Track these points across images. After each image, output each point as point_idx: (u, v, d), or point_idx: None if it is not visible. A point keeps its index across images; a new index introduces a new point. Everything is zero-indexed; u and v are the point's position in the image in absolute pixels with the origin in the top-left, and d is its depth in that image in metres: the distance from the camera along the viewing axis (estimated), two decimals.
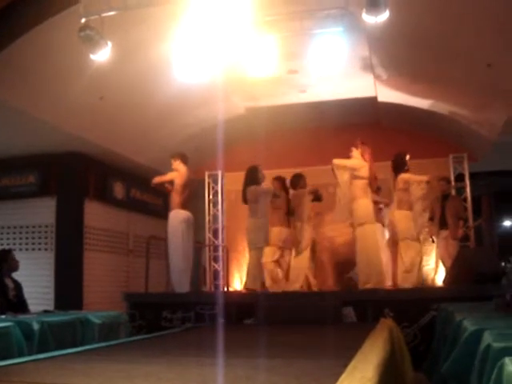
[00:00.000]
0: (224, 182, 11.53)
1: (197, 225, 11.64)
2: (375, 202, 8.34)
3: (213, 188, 11.63)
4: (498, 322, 3.22)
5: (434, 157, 10.34)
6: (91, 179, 9.93)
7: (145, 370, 2.80)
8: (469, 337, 2.91)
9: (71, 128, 8.31)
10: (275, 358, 3.19)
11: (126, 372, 2.70)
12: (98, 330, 5.39)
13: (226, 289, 10.50)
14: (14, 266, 6.71)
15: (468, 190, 10.38)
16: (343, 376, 2.19)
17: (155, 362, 3.19)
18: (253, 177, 8.18)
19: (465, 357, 2.91)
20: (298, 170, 9.70)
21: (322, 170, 9.16)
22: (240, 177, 8.59)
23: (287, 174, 9.15)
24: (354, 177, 7.76)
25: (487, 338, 2.48)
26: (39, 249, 9.63)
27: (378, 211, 8.56)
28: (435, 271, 9.50)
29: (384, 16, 5.80)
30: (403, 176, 7.93)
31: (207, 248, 11.52)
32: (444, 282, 8.27)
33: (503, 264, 7.02)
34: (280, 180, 8.52)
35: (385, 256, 8.15)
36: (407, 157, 8.05)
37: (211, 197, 11.59)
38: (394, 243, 8.06)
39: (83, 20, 5.99)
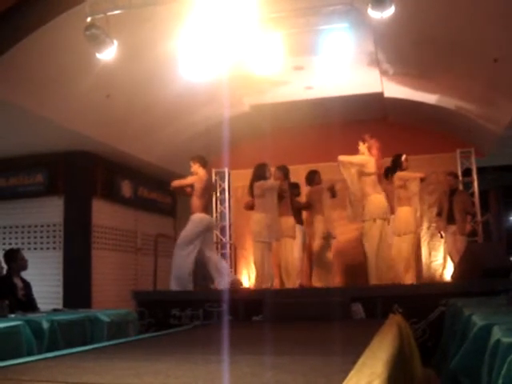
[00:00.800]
0: (230, 179, 11.53)
1: None
2: None
3: (220, 186, 11.63)
4: (507, 316, 3.20)
5: (441, 152, 10.31)
6: (99, 178, 9.95)
7: (154, 367, 2.81)
8: (478, 332, 2.90)
9: (78, 127, 8.33)
10: (282, 355, 3.19)
11: (134, 370, 2.71)
12: (107, 329, 5.41)
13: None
14: (23, 266, 6.74)
15: (475, 184, 10.35)
16: (352, 372, 2.19)
17: (164, 359, 3.19)
18: (260, 173, 8.23)
19: (474, 352, 2.90)
20: (303, 167, 9.74)
21: (328, 166, 9.17)
22: (246, 174, 8.63)
23: (293, 170, 9.16)
24: (362, 173, 7.79)
25: (496, 333, 2.48)
26: (47, 248, 9.66)
27: None
28: (443, 266, 9.50)
29: (390, 11, 5.79)
30: (398, 173, 8.08)
31: (215, 245, 11.52)
32: (452, 277, 8.26)
33: (511, 258, 7.02)
34: (282, 170, 8.57)
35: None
36: (403, 157, 8.17)
37: (218, 194, 11.59)
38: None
39: (89, 19, 6.01)
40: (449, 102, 9.47)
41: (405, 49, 7.80)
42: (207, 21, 6.30)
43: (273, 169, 8.37)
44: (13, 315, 5.10)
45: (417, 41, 7.41)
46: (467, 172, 10.41)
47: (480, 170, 10.54)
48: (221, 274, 7.84)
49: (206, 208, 7.84)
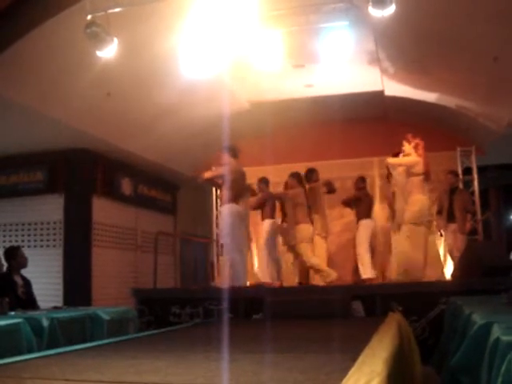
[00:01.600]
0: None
1: (204, 220, 11.72)
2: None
3: None
4: (507, 315, 3.21)
5: (442, 150, 10.30)
6: (99, 176, 9.95)
7: (153, 365, 2.81)
8: (478, 330, 2.91)
9: (78, 125, 8.33)
10: (283, 353, 3.19)
11: (135, 367, 2.71)
12: (107, 326, 5.41)
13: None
14: (23, 263, 6.74)
15: (476, 183, 10.35)
16: (352, 370, 2.19)
17: (164, 357, 3.20)
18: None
19: (474, 350, 2.90)
20: (304, 165, 9.74)
21: (328, 164, 9.19)
22: (246, 172, 8.66)
23: (293, 168, 9.18)
24: (410, 174, 7.76)
25: (496, 332, 2.48)
26: (47, 245, 9.65)
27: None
28: (443, 265, 9.49)
29: (390, 10, 5.78)
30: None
31: (214, 243, 11.53)
32: (452, 275, 8.26)
33: (511, 257, 7.02)
34: (295, 176, 8.64)
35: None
36: (401, 155, 8.13)
37: (218, 192, 11.59)
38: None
39: (89, 17, 6.00)
40: (449, 101, 9.47)
41: (405, 47, 7.79)
42: (207, 18, 6.30)
43: (271, 166, 8.38)
44: (13, 313, 5.11)
45: (417, 39, 7.40)
46: (467, 170, 10.41)
47: (480, 169, 10.53)
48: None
49: (236, 199, 7.65)
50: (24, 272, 6.76)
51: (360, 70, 8.66)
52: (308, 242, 8.39)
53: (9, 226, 9.89)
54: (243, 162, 9.18)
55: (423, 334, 6.18)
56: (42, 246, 9.67)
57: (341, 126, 9.92)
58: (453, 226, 8.86)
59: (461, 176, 10.07)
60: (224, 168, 7.77)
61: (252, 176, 8.93)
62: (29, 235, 9.76)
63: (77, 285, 9.17)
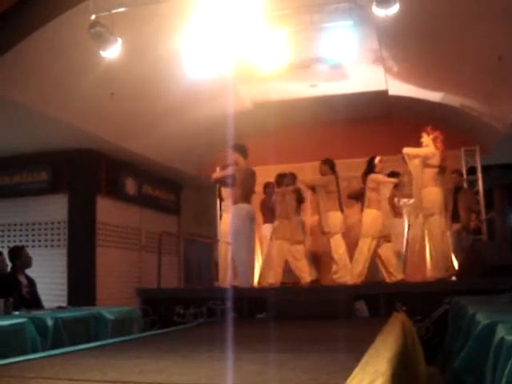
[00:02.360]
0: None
1: (208, 220, 11.71)
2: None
3: None
4: None
5: (446, 150, 10.28)
6: (103, 175, 9.97)
7: (158, 365, 2.81)
8: (482, 330, 2.90)
9: (82, 125, 8.35)
10: (286, 353, 3.19)
11: (139, 367, 2.71)
12: (111, 326, 5.41)
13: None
14: (27, 263, 6.75)
15: (480, 182, 10.32)
16: (356, 370, 2.19)
17: (168, 357, 3.20)
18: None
19: (478, 350, 2.89)
20: (308, 165, 9.74)
21: None
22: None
23: (297, 168, 9.17)
24: (426, 165, 7.80)
25: (501, 331, 2.47)
26: (52, 245, 9.68)
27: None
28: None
29: (394, 9, 5.78)
30: (371, 176, 8.17)
31: (219, 243, 11.51)
32: (456, 275, 8.24)
33: None
34: (328, 163, 8.60)
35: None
36: (377, 159, 8.28)
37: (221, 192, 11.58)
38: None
39: (93, 17, 6.01)
40: (453, 100, 9.46)
41: (409, 46, 7.78)
42: (211, 18, 6.30)
43: (275, 166, 8.37)
44: (17, 312, 5.12)
45: (421, 38, 7.39)
46: (472, 170, 10.38)
47: (484, 168, 10.51)
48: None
49: (247, 198, 7.63)
50: (28, 272, 6.77)
51: (364, 69, 8.65)
52: (338, 231, 8.39)
53: (13, 226, 9.92)
54: (248, 162, 9.20)
55: (427, 334, 6.17)
56: (46, 246, 9.69)
57: (345, 125, 9.92)
58: (457, 226, 8.85)
59: (465, 175, 10.05)
60: (233, 168, 7.74)
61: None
62: (33, 235, 9.78)
63: (81, 284, 9.19)
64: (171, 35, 6.94)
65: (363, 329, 4.99)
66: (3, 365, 2.84)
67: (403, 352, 3.19)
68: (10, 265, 6.64)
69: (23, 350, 3.98)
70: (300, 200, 8.94)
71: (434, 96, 9.47)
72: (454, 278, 7.68)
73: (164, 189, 12.00)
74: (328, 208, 8.38)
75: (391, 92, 9.55)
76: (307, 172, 10.16)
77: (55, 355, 3.30)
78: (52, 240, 9.69)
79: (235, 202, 7.60)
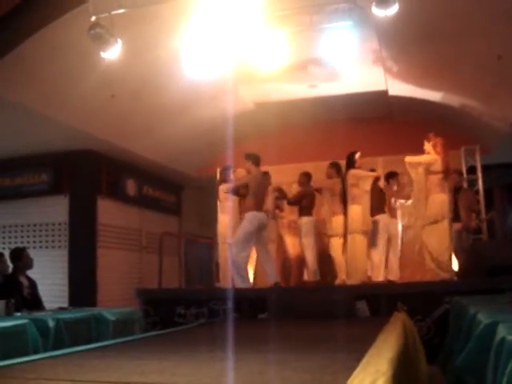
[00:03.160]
0: (235, 177, 11.51)
1: (209, 221, 11.70)
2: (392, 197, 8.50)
3: None
4: None
5: (448, 154, 10.28)
6: (103, 177, 9.97)
7: (159, 365, 2.82)
8: (483, 330, 2.90)
9: (83, 126, 8.35)
10: (288, 353, 3.19)
11: (140, 368, 2.72)
12: (112, 327, 5.42)
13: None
14: (29, 264, 6.75)
15: (480, 182, 10.31)
16: (357, 370, 2.19)
17: (169, 357, 3.20)
18: (224, 176, 8.65)
19: (479, 350, 2.90)
20: (308, 165, 9.74)
21: None
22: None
23: (298, 168, 9.17)
24: (429, 172, 7.87)
25: (502, 331, 2.47)
26: (53, 247, 9.68)
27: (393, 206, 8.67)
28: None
29: (393, 9, 5.79)
30: (351, 171, 8.24)
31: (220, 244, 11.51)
32: (457, 274, 8.25)
33: None
34: (334, 166, 8.70)
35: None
36: (357, 155, 8.33)
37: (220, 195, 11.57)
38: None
39: (93, 18, 6.02)
40: (453, 100, 9.46)
41: (409, 46, 7.78)
42: (211, 19, 6.30)
43: (275, 167, 8.39)
44: (19, 314, 5.13)
45: (421, 38, 7.39)
46: (472, 170, 10.37)
47: (485, 168, 10.48)
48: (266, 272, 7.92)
49: (260, 206, 7.80)
50: (29, 273, 6.78)
51: (364, 69, 8.64)
52: (341, 235, 8.44)
53: (14, 228, 9.93)
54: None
55: (428, 334, 6.18)
56: (47, 247, 9.70)
57: (345, 125, 9.91)
58: (457, 226, 8.84)
59: (465, 175, 10.04)
60: (246, 177, 7.97)
61: None
62: (34, 236, 9.79)
63: (82, 286, 9.20)
64: (171, 36, 6.94)
65: (364, 329, 4.99)
66: (5, 366, 2.85)
67: (404, 352, 3.20)
68: (11, 266, 6.64)
69: (25, 351, 3.98)
70: (282, 197, 9.06)
71: (433, 96, 9.47)
72: (454, 278, 7.68)
73: (165, 190, 12.01)
74: (333, 211, 8.46)
75: (391, 92, 9.55)
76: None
77: (57, 356, 3.31)
78: (53, 241, 9.69)
79: (248, 210, 7.75)
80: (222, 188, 8.53)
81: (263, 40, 6.81)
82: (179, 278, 11.88)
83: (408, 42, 7.59)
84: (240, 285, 7.48)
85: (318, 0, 6.51)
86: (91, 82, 7.27)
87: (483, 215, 10.02)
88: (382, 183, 8.68)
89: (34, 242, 9.73)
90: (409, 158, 8.09)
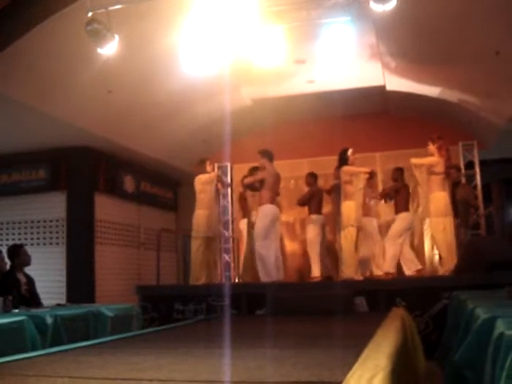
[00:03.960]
0: (233, 173, 11.52)
1: None
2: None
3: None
4: (511, 309, 3.20)
5: (450, 157, 10.29)
6: (101, 173, 9.96)
7: (158, 362, 2.81)
8: (481, 325, 2.90)
9: (80, 122, 8.33)
10: (286, 349, 3.19)
11: (139, 364, 2.72)
12: (110, 323, 5.42)
13: (236, 280, 10.55)
14: (26, 261, 6.74)
15: (478, 177, 10.33)
16: (356, 365, 2.19)
17: (168, 353, 3.20)
18: (201, 168, 8.69)
19: (477, 345, 2.90)
20: (306, 161, 9.76)
21: (330, 160, 9.15)
22: (247, 167, 8.84)
23: (295, 164, 9.18)
24: (431, 172, 8.04)
25: (500, 326, 2.47)
26: (50, 243, 9.67)
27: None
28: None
29: (391, 4, 5.77)
30: (344, 168, 8.25)
31: (217, 240, 11.52)
32: (455, 270, 8.26)
33: None
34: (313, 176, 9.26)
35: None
36: (349, 151, 8.34)
37: (221, 189, 11.58)
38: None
39: (90, 14, 5.99)
40: (451, 95, 9.45)
41: (407, 42, 7.77)
42: (208, 15, 6.29)
43: (274, 162, 8.39)
44: (16, 310, 5.12)
45: (419, 34, 7.38)
46: (470, 165, 10.39)
47: (482, 163, 10.50)
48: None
49: (274, 200, 8.13)
50: (27, 270, 6.76)
51: (361, 65, 8.63)
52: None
53: (12, 224, 9.91)
54: (246, 159, 9.21)
55: (426, 329, 6.19)
56: (44, 244, 9.68)
57: (343, 121, 9.91)
58: (456, 221, 8.86)
59: (463, 170, 10.05)
60: (262, 173, 8.22)
61: None
62: (32, 233, 9.77)
63: (80, 282, 9.19)
64: (168, 32, 6.92)
65: (363, 324, 5.00)
66: (3, 363, 2.84)
67: (403, 347, 3.20)
68: (8, 263, 6.63)
69: (23, 348, 3.98)
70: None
71: (431, 91, 9.47)
72: (452, 273, 7.69)
73: (162, 186, 12.01)
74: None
75: (389, 87, 9.54)
76: (306, 168, 10.17)
77: (55, 353, 3.30)
78: (51, 238, 9.68)
79: (262, 204, 8.03)
80: (198, 179, 8.57)
81: (261, 36, 6.79)
82: (177, 274, 11.90)
83: (406, 37, 7.58)
84: (264, 279, 7.65)
85: None
86: (88, 78, 7.26)
87: (481, 210, 10.04)
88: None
89: (32, 238, 9.71)
90: (414, 160, 8.23)
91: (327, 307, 5.77)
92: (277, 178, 8.26)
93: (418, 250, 9.58)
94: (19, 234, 9.81)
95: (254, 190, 8.68)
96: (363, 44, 7.76)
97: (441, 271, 7.94)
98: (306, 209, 9.32)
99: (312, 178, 9.28)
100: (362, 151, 8.76)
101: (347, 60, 7.34)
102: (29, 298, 6.38)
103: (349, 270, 7.85)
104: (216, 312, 6.80)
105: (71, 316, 5.05)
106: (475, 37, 7.20)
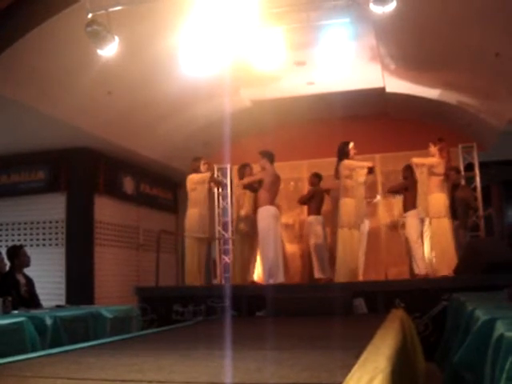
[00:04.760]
0: (232, 175, 11.52)
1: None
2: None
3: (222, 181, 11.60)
4: (510, 311, 3.20)
5: (451, 160, 10.29)
6: (101, 174, 9.95)
7: (157, 363, 2.81)
8: (481, 326, 2.90)
9: (80, 123, 8.33)
10: (286, 350, 3.19)
11: (138, 366, 2.71)
12: (109, 325, 5.42)
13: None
14: (26, 262, 6.74)
15: (478, 179, 10.33)
16: (355, 367, 2.19)
17: (167, 355, 3.20)
18: (194, 167, 8.74)
19: (477, 347, 2.89)
20: (305, 162, 9.78)
21: (330, 161, 9.15)
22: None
23: (295, 166, 9.19)
24: (431, 173, 8.10)
25: (500, 328, 2.47)
26: (50, 244, 9.66)
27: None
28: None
29: (391, 6, 5.78)
30: (345, 162, 8.13)
31: (217, 241, 11.52)
32: (455, 271, 8.26)
33: None
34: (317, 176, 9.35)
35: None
36: (350, 145, 8.25)
37: (220, 190, 11.58)
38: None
39: (90, 15, 5.99)
40: (450, 97, 9.46)
41: (406, 43, 7.78)
42: (208, 16, 6.29)
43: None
44: (16, 312, 5.11)
45: (418, 35, 7.39)
46: (469, 167, 10.38)
47: (482, 165, 10.50)
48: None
49: (273, 201, 8.16)
50: (27, 271, 6.76)
51: (361, 66, 8.64)
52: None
53: (11, 225, 9.90)
54: (245, 160, 9.20)
55: (426, 331, 6.18)
56: (44, 245, 9.67)
57: (342, 123, 9.91)
58: (455, 223, 8.86)
59: (463, 172, 10.05)
60: (261, 173, 8.30)
61: None
62: (31, 234, 9.76)
63: (79, 283, 9.18)
64: (168, 33, 6.92)
65: (362, 326, 4.99)
66: (2, 364, 2.84)
67: (402, 349, 3.19)
68: (8, 264, 6.62)
69: (22, 349, 3.98)
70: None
71: (431, 93, 9.47)
72: (452, 275, 7.69)
73: (162, 187, 12.00)
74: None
75: (388, 89, 9.55)
76: (305, 169, 10.17)
77: (54, 354, 3.30)
78: (50, 239, 9.67)
79: (262, 204, 8.06)
80: (191, 178, 8.66)
81: (260, 37, 6.80)
82: (176, 275, 11.88)
83: (405, 39, 7.59)
84: (268, 281, 7.65)
85: None
86: (88, 79, 7.26)
87: (480, 212, 10.03)
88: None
89: (31, 239, 9.71)
90: (415, 159, 8.30)
91: (327, 309, 5.77)
92: (276, 179, 8.26)
93: None
94: (19, 235, 9.81)
95: (252, 191, 8.66)
96: (363, 46, 7.77)
97: (440, 272, 7.90)
98: (305, 210, 9.33)
99: (316, 178, 9.40)
100: (362, 153, 8.74)
101: (347, 62, 7.33)
102: (28, 299, 6.38)
103: (346, 275, 7.69)
104: (216, 313, 6.80)
105: (71, 317, 5.05)
106: (475, 39, 7.21)
